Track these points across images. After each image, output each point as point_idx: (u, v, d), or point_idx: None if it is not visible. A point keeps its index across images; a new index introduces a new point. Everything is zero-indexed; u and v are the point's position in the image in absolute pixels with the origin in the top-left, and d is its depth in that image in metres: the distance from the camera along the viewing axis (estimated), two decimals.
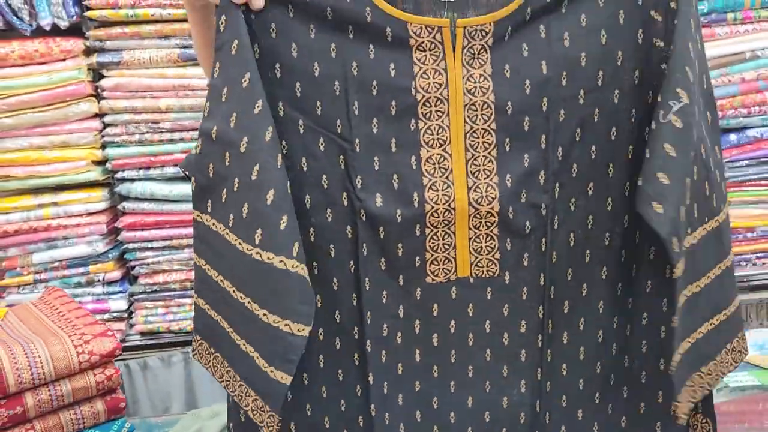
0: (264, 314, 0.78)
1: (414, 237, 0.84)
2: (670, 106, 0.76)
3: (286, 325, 0.77)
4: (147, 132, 1.76)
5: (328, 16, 0.78)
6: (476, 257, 0.86)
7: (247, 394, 0.83)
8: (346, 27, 0.78)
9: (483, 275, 0.86)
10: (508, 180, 0.83)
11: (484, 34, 0.79)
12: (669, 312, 0.86)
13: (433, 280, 0.86)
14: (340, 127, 0.81)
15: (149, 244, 1.83)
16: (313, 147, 0.82)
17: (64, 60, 1.73)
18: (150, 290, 1.86)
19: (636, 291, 0.90)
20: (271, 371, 0.79)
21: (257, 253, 0.77)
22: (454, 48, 0.79)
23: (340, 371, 0.90)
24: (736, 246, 1.86)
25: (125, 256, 1.86)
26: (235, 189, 0.78)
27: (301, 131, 0.81)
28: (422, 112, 0.81)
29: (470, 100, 0.80)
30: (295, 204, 0.79)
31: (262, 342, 0.80)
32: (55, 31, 1.72)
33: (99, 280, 1.84)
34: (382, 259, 0.85)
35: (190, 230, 1.78)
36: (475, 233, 0.85)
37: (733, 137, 1.79)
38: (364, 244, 0.84)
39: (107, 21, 1.69)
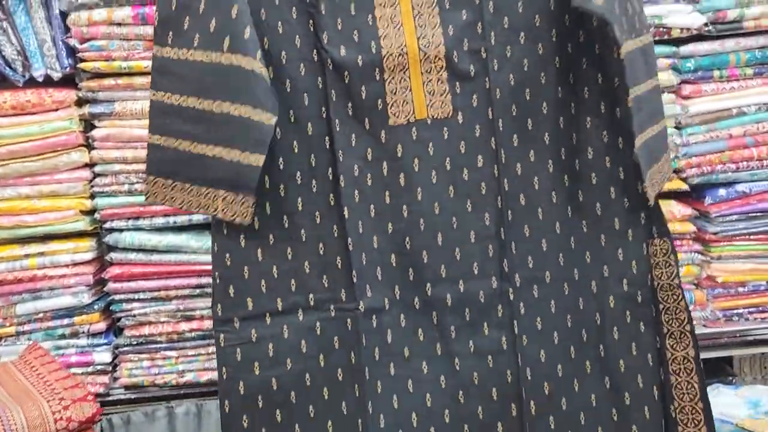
0: (235, 108, 0.90)
1: (374, 81, 0.98)
2: None
3: (256, 114, 0.89)
4: (137, 182, 1.75)
5: None
6: (431, 99, 0.99)
7: (215, 198, 0.94)
8: None
9: (438, 116, 0.99)
10: (450, 30, 0.98)
11: None
12: (611, 143, 1.00)
13: (394, 122, 0.99)
14: None
15: (136, 296, 1.80)
16: (286, 14, 0.97)
17: (56, 110, 1.72)
18: (136, 342, 1.82)
19: (577, 124, 1.01)
20: (245, 157, 0.90)
21: (226, 57, 0.90)
22: None
23: (317, 213, 1.01)
24: (728, 301, 1.85)
25: (111, 308, 1.83)
26: (201, 12, 0.90)
27: (277, 2, 0.97)
28: None
29: None
30: (273, 60, 0.96)
31: (234, 135, 0.91)
32: (48, 82, 1.72)
33: (84, 332, 1.80)
34: (349, 104, 0.99)
35: (179, 281, 1.77)
36: (428, 77, 0.98)
37: (722, 192, 1.79)
38: (332, 90, 0.98)
39: (100, 72, 1.70)
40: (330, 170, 1.01)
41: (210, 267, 1.05)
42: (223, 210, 0.94)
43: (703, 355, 1.83)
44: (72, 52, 1.71)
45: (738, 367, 1.99)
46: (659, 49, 1.74)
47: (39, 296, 1.77)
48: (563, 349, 1.06)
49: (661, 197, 1.78)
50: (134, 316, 1.81)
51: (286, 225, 1.02)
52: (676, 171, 1.80)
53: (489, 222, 1.03)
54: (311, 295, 1.03)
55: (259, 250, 1.02)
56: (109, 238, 1.78)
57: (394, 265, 1.03)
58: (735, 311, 1.86)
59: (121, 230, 1.78)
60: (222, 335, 1.02)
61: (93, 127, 1.76)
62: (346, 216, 1.01)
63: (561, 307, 1.06)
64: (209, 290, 1.64)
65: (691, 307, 1.81)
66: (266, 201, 1.01)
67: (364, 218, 1.02)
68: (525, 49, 1.01)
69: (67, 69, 1.71)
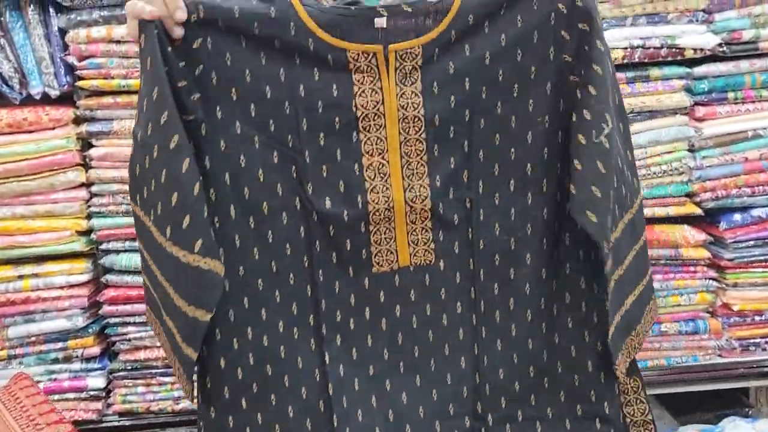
0: (176, 298, 0.89)
1: (360, 233, 0.96)
2: (602, 128, 0.91)
3: (190, 308, 0.88)
4: None
5: (276, 45, 0.89)
6: (414, 248, 0.99)
7: (175, 363, 0.93)
8: (293, 55, 0.90)
9: (421, 263, 0.99)
10: (438, 180, 0.96)
11: (414, 56, 0.92)
12: (587, 290, 1.02)
13: (378, 269, 0.99)
14: (291, 141, 0.93)
15: (132, 319, 1.74)
16: (268, 159, 0.93)
17: (53, 129, 1.69)
18: (131, 367, 1.77)
19: (558, 273, 1.02)
20: (184, 347, 0.90)
21: (169, 245, 0.88)
22: (388, 70, 0.92)
23: (299, 359, 0.98)
24: (744, 330, 1.79)
25: (106, 331, 1.78)
26: (152, 189, 0.88)
27: (257, 146, 0.93)
28: (362, 126, 0.94)
29: (403, 114, 0.93)
30: (254, 210, 0.94)
31: (178, 321, 0.90)
32: (45, 100, 1.69)
33: (77, 356, 1.75)
34: (333, 254, 0.97)
35: None
36: (412, 227, 0.98)
37: (737, 217, 1.74)
38: (317, 241, 0.96)
39: (99, 90, 1.67)
40: (312, 318, 0.99)
41: None
42: (179, 378, 0.94)
43: (719, 386, 1.80)
44: (70, 69, 1.68)
45: (755, 399, 1.93)
46: (672, 70, 1.71)
47: (32, 319, 1.73)
48: None
49: (673, 222, 1.75)
50: (129, 340, 1.76)
51: (270, 372, 0.99)
52: (690, 195, 1.75)
53: (465, 366, 1.03)
54: None
55: (244, 399, 0.99)
56: (105, 260, 1.73)
57: (374, 405, 1.01)
58: (752, 341, 1.80)
59: (117, 251, 1.74)
60: None
61: (91, 146, 1.72)
62: (327, 361, 0.98)
63: None
64: None
65: (705, 336, 1.76)
66: (250, 351, 0.99)
67: (346, 362, 1.00)
68: (513, 198, 1.00)
69: (65, 87, 1.68)
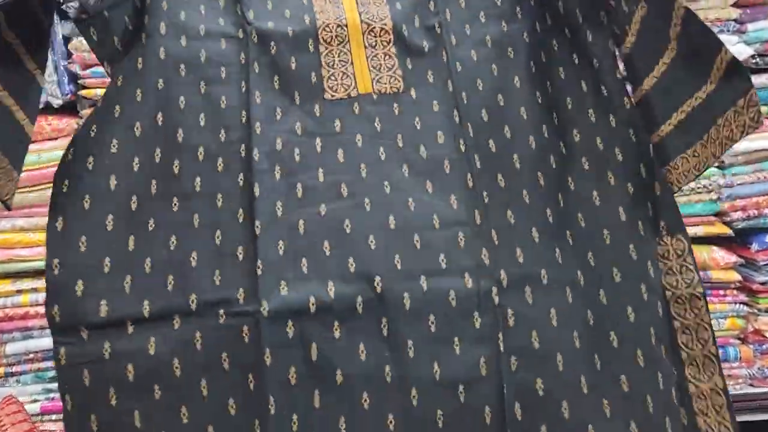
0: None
1: (307, 53, 0.86)
2: None
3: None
4: None
5: None
6: (377, 74, 0.87)
7: None
8: None
9: (386, 91, 0.87)
10: (398, 5, 0.89)
11: None
12: (599, 122, 0.85)
13: (332, 96, 0.86)
14: None
15: None
16: None
17: (55, 139, 1.64)
18: None
19: (557, 103, 0.87)
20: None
21: None
22: None
23: (219, 195, 0.81)
24: None
25: None
26: None
27: None
28: None
29: None
30: (187, 32, 0.86)
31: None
32: (48, 109, 1.64)
33: None
34: (276, 77, 0.86)
35: None
36: (372, 52, 0.88)
37: None
38: (255, 62, 0.86)
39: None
40: (243, 146, 0.83)
41: None
42: None
43: (750, 418, 1.70)
44: (74, 78, 1.63)
45: None
46: None
47: (30, 335, 1.67)
48: (570, 379, 0.78)
49: (701, 242, 1.66)
50: None
51: (175, 208, 0.80)
52: (719, 214, 1.66)
53: (457, 205, 0.81)
54: (194, 296, 0.77)
55: (132, 237, 0.79)
56: None
57: (327, 253, 0.77)
58: None
59: None
60: (63, 349, 0.76)
61: None
62: (257, 195, 0.79)
63: (564, 319, 0.79)
64: None
65: (736, 364, 1.67)
66: (153, 178, 0.82)
67: (287, 198, 0.80)
68: (487, 26, 0.92)
69: (68, 96, 1.64)
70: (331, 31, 0.87)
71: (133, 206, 0.80)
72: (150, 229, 0.80)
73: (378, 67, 0.87)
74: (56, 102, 1.63)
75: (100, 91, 1.60)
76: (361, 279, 0.77)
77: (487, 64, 0.89)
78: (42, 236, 1.66)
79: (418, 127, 0.85)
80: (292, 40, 0.87)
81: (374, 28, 0.88)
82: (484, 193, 0.83)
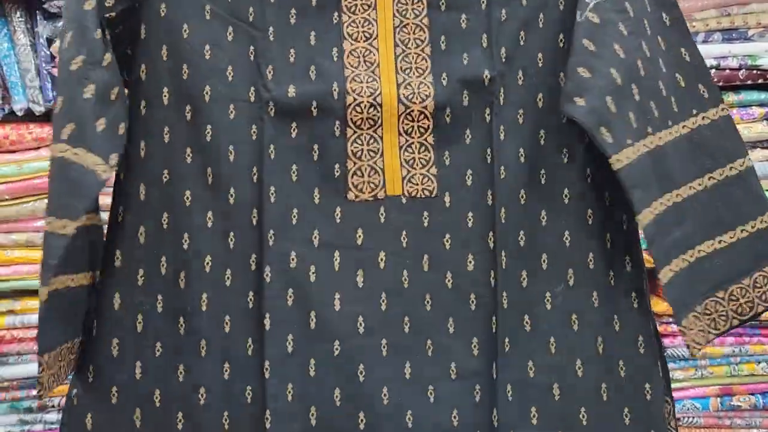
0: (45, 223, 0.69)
1: (332, 137, 0.74)
2: (586, 3, 0.73)
3: (49, 221, 0.67)
4: None
5: None
6: (409, 170, 0.74)
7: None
8: None
9: (418, 194, 0.75)
10: (444, 79, 0.75)
11: None
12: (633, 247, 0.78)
13: (356, 196, 0.74)
14: (252, 15, 0.75)
15: None
16: (219, 35, 0.74)
17: (37, 149, 1.53)
18: None
19: (606, 212, 0.77)
20: (39, 287, 0.68)
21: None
22: None
23: (227, 318, 0.73)
24: None
25: None
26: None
27: (207, 16, 0.74)
28: (346, 5, 0.75)
29: None
30: (193, 95, 0.74)
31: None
32: (29, 117, 1.52)
33: (54, 406, 1.56)
34: (294, 166, 0.74)
35: None
36: (407, 140, 0.75)
37: None
38: (272, 146, 0.73)
39: None
40: (254, 258, 0.73)
41: None
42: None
43: None
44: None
45: None
46: (752, 95, 1.50)
47: (5, 362, 1.56)
48: None
49: None
50: None
51: (181, 330, 0.74)
52: None
53: (477, 352, 0.75)
54: None
55: (138, 363, 0.75)
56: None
57: (337, 404, 0.72)
58: None
59: None
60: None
61: None
62: (267, 327, 0.71)
63: None
64: None
65: None
66: (158, 293, 0.75)
67: (299, 330, 0.73)
68: (543, 114, 0.77)
69: (51, 103, 1.51)
70: (363, 112, 0.73)
71: (139, 328, 0.75)
72: (157, 354, 0.75)
73: (411, 161, 0.75)
74: (38, 109, 1.51)
75: None
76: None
77: (536, 166, 0.77)
78: (19, 253, 1.54)
79: (447, 247, 0.75)
80: (317, 122, 0.74)
81: (413, 111, 0.74)
82: (506, 341, 0.76)
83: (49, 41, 1.49)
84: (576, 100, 0.70)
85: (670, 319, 1.52)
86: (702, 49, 1.46)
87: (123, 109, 0.73)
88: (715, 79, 1.48)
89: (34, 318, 1.54)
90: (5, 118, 1.52)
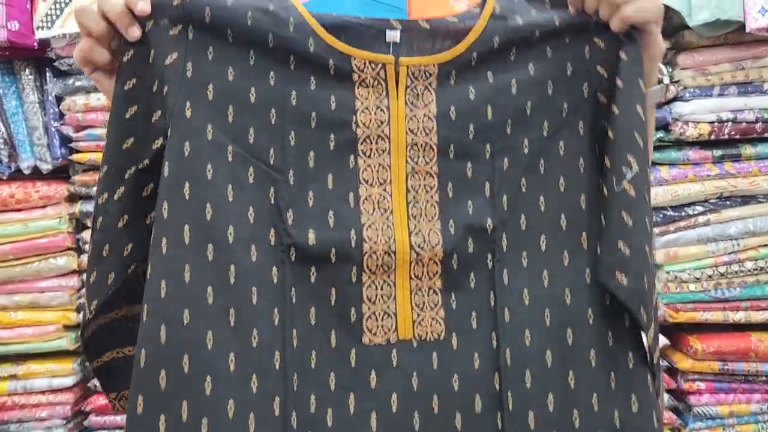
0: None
1: (349, 283, 0.76)
2: (623, 173, 0.76)
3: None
4: None
5: (269, 43, 0.76)
6: (419, 314, 0.77)
7: None
8: (287, 55, 0.76)
9: (427, 338, 0.77)
10: (452, 227, 0.78)
11: (427, 75, 0.79)
12: (640, 385, 0.77)
13: (370, 340, 0.76)
14: (273, 158, 0.76)
15: None
16: (241, 177, 0.75)
17: (43, 207, 1.49)
18: None
19: (615, 359, 0.78)
20: None
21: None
22: (397, 87, 0.78)
23: None
24: None
25: None
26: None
27: (229, 159, 0.75)
28: (362, 149, 0.78)
29: (412, 140, 0.78)
30: (216, 237, 0.73)
31: None
32: (36, 175, 1.49)
33: None
34: (312, 309, 0.75)
35: None
36: (417, 284, 0.77)
37: None
38: (293, 288, 0.75)
39: (96, 165, 1.46)
40: (277, 402, 0.73)
41: None
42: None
43: None
44: (65, 141, 1.48)
45: None
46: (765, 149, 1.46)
47: (6, 429, 1.50)
48: None
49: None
50: None
51: None
52: None
53: None
54: None
55: None
56: None
57: None
58: None
59: None
60: None
61: (85, 227, 1.51)
62: None
63: None
64: None
65: None
66: None
67: None
68: (545, 259, 0.79)
69: (59, 160, 1.49)
70: (378, 259, 0.76)
71: None
72: None
73: (421, 305, 0.78)
74: (45, 167, 1.48)
75: (94, 156, 1.45)
76: None
77: (539, 309, 0.79)
78: (23, 315, 1.49)
79: (456, 389, 0.77)
80: (335, 269, 0.76)
81: (423, 258, 0.77)
82: None
83: (59, 99, 1.47)
84: (618, 276, 0.74)
85: (696, 377, 1.49)
86: (718, 102, 1.47)
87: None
88: (732, 132, 1.46)
89: (36, 383, 1.49)
90: (11, 177, 1.49)
